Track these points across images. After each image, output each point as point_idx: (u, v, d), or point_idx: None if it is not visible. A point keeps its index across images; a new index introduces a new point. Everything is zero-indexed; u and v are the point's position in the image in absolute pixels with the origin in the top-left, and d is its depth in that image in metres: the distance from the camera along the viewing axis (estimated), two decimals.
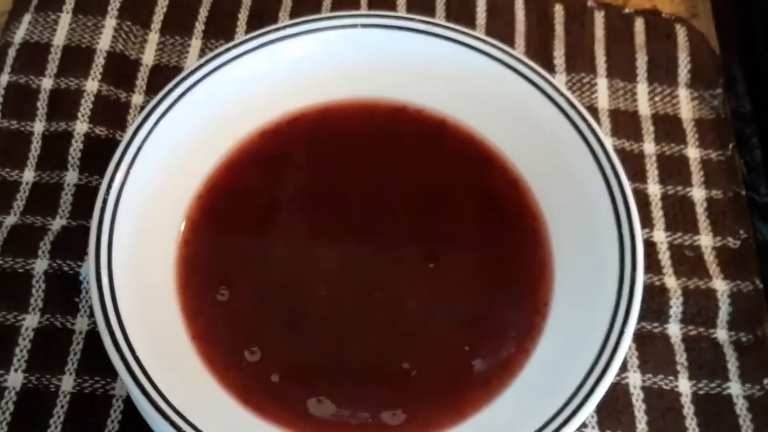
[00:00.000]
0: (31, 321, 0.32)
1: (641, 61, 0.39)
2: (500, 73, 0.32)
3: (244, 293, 0.30)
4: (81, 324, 0.32)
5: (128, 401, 0.30)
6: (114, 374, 0.31)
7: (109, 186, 0.28)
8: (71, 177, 0.35)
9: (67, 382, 0.31)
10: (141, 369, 0.25)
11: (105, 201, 0.27)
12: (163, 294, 0.29)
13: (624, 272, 0.27)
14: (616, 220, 0.28)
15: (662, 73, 0.39)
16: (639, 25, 0.40)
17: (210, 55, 0.31)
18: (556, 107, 0.31)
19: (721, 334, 0.32)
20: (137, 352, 0.25)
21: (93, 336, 0.32)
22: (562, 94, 0.31)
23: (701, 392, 0.31)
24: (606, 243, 0.28)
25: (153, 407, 0.24)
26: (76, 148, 0.35)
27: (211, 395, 0.27)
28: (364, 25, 0.32)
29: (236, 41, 0.31)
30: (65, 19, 0.38)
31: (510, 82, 0.32)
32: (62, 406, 0.30)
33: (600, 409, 0.30)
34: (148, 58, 0.38)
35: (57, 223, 0.34)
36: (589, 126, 0.30)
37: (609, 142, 0.30)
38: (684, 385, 0.31)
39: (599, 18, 0.40)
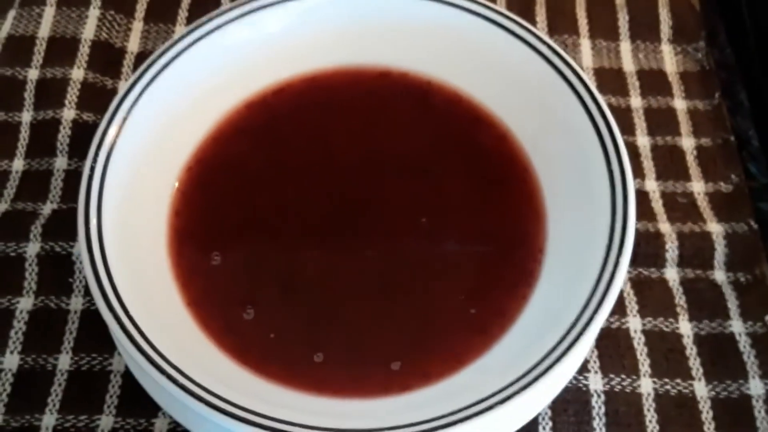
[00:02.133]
0: (25, 303, 0.32)
1: (623, 20, 0.39)
2: (484, 29, 0.32)
3: (237, 257, 0.29)
4: (76, 304, 0.32)
5: (126, 375, 0.30)
6: (111, 350, 0.31)
7: (96, 155, 0.28)
8: (60, 163, 0.35)
9: (64, 361, 0.31)
10: (137, 330, 0.25)
11: (92, 170, 0.27)
12: (156, 263, 0.29)
13: (616, 209, 0.27)
14: (605, 160, 0.28)
15: (644, 30, 0.39)
16: None
17: (192, 25, 0.31)
18: (542, 58, 0.31)
19: (719, 275, 0.32)
20: (132, 315, 0.25)
21: (88, 315, 0.32)
22: (547, 45, 0.31)
23: (703, 332, 0.31)
24: (597, 184, 0.28)
25: (152, 365, 0.24)
26: (64, 134, 0.36)
27: (209, 358, 0.27)
28: None
29: (218, 11, 0.31)
30: (49, 11, 0.39)
31: (494, 38, 0.32)
32: (60, 384, 0.30)
33: (602, 354, 0.30)
34: (133, 45, 0.39)
35: (48, 208, 0.34)
36: (575, 72, 0.30)
37: (594, 87, 0.30)
38: (685, 327, 0.31)
39: None
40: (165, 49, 0.30)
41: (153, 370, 0.24)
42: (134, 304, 0.26)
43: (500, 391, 0.23)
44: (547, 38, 0.32)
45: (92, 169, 0.27)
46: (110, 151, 0.28)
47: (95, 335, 0.31)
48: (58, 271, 0.32)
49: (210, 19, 0.31)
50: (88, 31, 0.38)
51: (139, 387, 0.28)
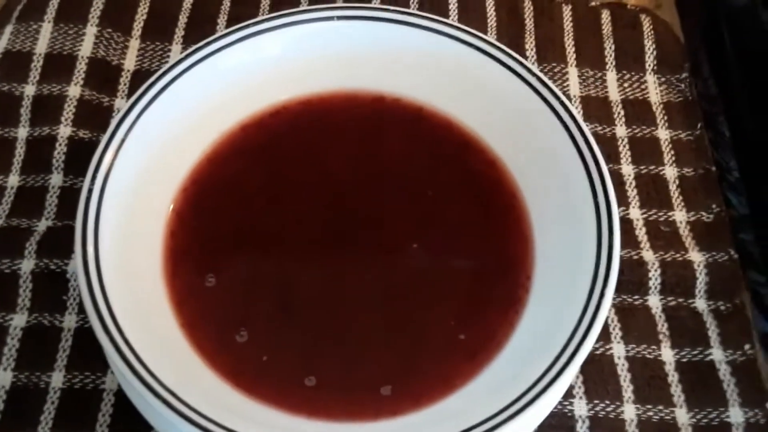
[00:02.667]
0: (19, 320, 0.32)
1: (609, 50, 0.40)
2: (475, 59, 0.33)
3: (232, 279, 0.30)
4: (69, 321, 0.32)
5: (119, 394, 0.31)
6: (105, 368, 0.31)
7: (94, 177, 0.28)
8: (56, 179, 0.35)
9: (57, 379, 0.31)
10: (131, 351, 0.25)
11: (90, 191, 0.28)
12: (151, 284, 0.29)
13: (602, 240, 0.28)
14: (592, 192, 0.29)
15: (630, 60, 0.40)
16: (605, 16, 0.41)
17: (190, 49, 0.31)
18: (530, 88, 0.32)
19: (700, 303, 0.33)
20: (127, 336, 0.25)
21: (82, 333, 0.32)
22: (535, 75, 0.32)
23: (684, 360, 0.32)
24: (583, 214, 0.29)
25: (145, 387, 0.24)
26: (60, 151, 0.36)
27: (202, 379, 0.27)
28: (340, 17, 0.33)
29: (216, 35, 0.32)
30: (47, 27, 0.39)
31: (484, 67, 0.33)
32: (53, 402, 0.30)
33: (587, 379, 0.31)
34: (130, 63, 0.39)
35: (43, 224, 0.34)
36: (562, 103, 0.31)
37: (581, 117, 0.31)
38: (667, 354, 0.32)
39: (567, 11, 0.41)
40: (164, 72, 0.31)
41: (146, 392, 0.24)
42: (129, 325, 0.26)
43: (488, 419, 0.24)
44: (535, 69, 0.32)
45: (90, 191, 0.28)
46: (108, 173, 0.28)
47: (89, 353, 0.31)
48: (53, 289, 0.33)
49: (209, 43, 0.32)
50: (86, 48, 0.39)
51: (132, 406, 0.29)
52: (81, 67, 0.38)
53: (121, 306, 0.26)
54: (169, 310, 0.29)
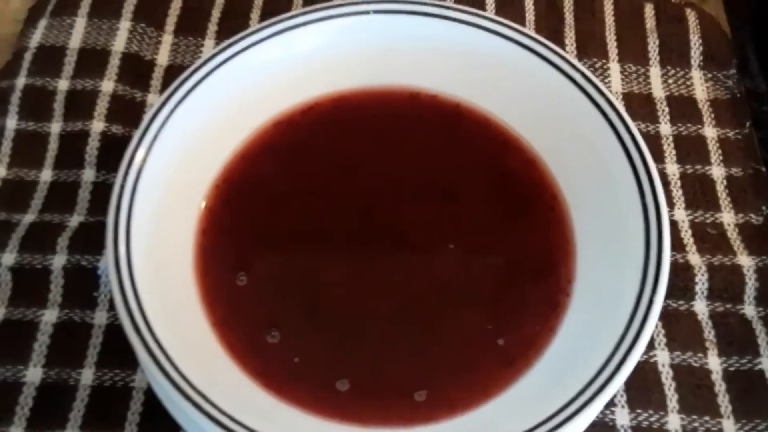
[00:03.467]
0: (50, 316, 0.32)
1: (653, 45, 0.39)
2: (514, 53, 0.32)
3: (263, 278, 0.29)
4: (100, 318, 0.32)
5: (149, 393, 0.30)
6: (134, 366, 0.31)
7: (126, 174, 0.28)
8: (88, 175, 0.35)
9: (87, 376, 0.31)
10: (161, 350, 0.25)
11: (122, 188, 0.27)
12: (182, 282, 0.29)
13: (650, 244, 0.26)
14: (639, 193, 0.28)
15: (674, 56, 0.39)
16: (648, 10, 0.40)
17: (223, 44, 0.31)
18: (573, 84, 0.31)
19: (749, 309, 0.32)
20: (157, 335, 0.25)
21: (112, 330, 0.32)
22: (578, 70, 0.31)
23: (732, 369, 0.30)
24: (629, 217, 0.28)
25: (175, 387, 0.24)
26: (92, 146, 0.36)
27: (232, 379, 0.27)
28: (375, 11, 0.32)
29: (249, 30, 0.31)
30: (80, 23, 0.39)
31: (524, 62, 0.31)
32: (82, 400, 0.30)
33: (629, 388, 0.30)
34: (163, 58, 0.39)
35: (75, 220, 0.34)
36: (607, 99, 0.30)
37: (627, 114, 0.30)
38: (714, 362, 0.30)
39: (608, 5, 0.40)
40: (197, 67, 0.30)
41: (175, 393, 0.24)
42: (160, 324, 0.26)
43: (531, 430, 0.23)
44: (577, 63, 0.31)
45: (122, 188, 0.27)
46: (140, 170, 0.28)
47: (119, 350, 0.31)
48: (84, 285, 0.32)
49: (242, 38, 0.31)
50: (119, 43, 0.38)
51: (161, 405, 0.28)
52: (114, 62, 0.38)
53: (152, 304, 0.26)
54: (200, 308, 0.28)
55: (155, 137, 0.29)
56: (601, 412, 0.29)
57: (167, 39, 0.39)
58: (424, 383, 0.27)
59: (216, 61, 0.31)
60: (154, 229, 0.28)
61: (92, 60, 0.38)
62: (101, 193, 0.35)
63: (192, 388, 0.24)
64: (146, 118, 0.29)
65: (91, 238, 0.33)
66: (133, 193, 0.27)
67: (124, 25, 0.39)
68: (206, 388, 0.25)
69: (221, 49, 0.31)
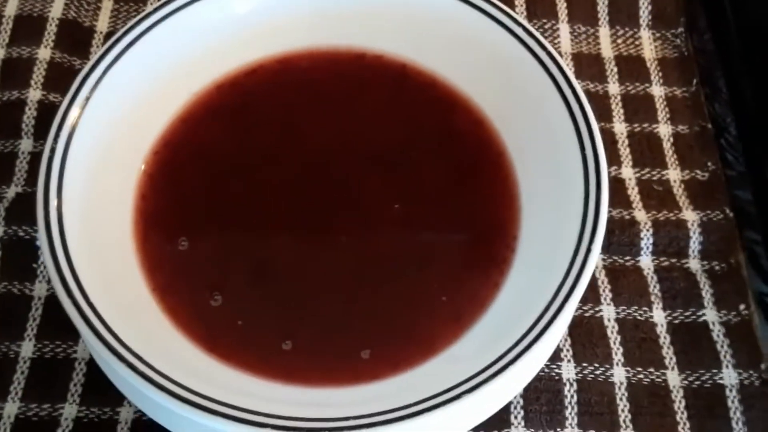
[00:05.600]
0: None
1: (602, 5, 0.39)
2: (461, 12, 0.31)
3: (205, 242, 0.29)
4: (40, 289, 0.31)
5: (91, 363, 0.30)
6: (76, 337, 0.30)
7: (57, 136, 0.27)
8: (26, 145, 0.34)
9: (27, 348, 0.30)
10: (97, 316, 0.24)
11: (53, 151, 0.26)
12: (121, 248, 0.28)
13: (588, 197, 0.26)
14: (579, 145, 0.27)
15: (623, 16, 0.39)
16: None
17: (157, 4, 0.30)
18: (518, 41, 0.30)
19: (694, 263, 0.32)
20: (92, 301, 0.24)
21: (52, 301, 0.31)
22: (524, 28, 0.30)
23: (676, 321, 0.31)
24: (570, 169, 0.28)
25: (113, 354, 0.23)
26: (29, 115, 0.35)
27: (174, 345, 0.26)
28: None
29: None
30: None
31: (471, 21, 0.31)
32: (22, 372, 0.29)
33: (575, 342, 0.30)
34: (102, 24, 0.38)
35: (12, 191, 0.33)
36: (550, 56, 0.29)
37: (571, 72, 0.29)
38: (659, 315, 0.31)
39: None
40: (131, 27, 0.29)
41: (112, 358, 0.23)
42: (96, 289, 0.25)
43: (470, 379, 0.23)
44: (524, 21, 0.31)
45: (53, 150, 0.26)
46: (72, 132, 0.27)
47: (59, 322, 0.30)
48: (22, 256, 0.31)
49: None
50: (56, 10, 0.37)
51: (104, 376, 0.28)
52: (51, 28, 0.37)
53: (88, 271, 0.25)
54: (140, 275, 0.27)
55: (88, 98, 0.28)
56: (547, 366, 0.29)
57: (107, 5, 0.38)
58: (369, 342, 0.26)
59: (152, 19, 0.30)
60: (90, 194, 0.27)
61: (28, 27, 0.37)
62: (39, 164, 0.33)
63: (129, 352, 0.24)
64: (78, 77, 0.28)
65: (30, 209, 0.31)
66: (65, 156, 0.27)
67: None
68: (147, 354, 0.24)
69: (157, 8, 0.30)
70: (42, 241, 0.25)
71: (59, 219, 0.25)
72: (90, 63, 0.29)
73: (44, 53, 0.36)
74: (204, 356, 0.26)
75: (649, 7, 0.39)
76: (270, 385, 0.26)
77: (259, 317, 0.27)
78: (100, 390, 0.29)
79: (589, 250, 0.24)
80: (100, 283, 0.26)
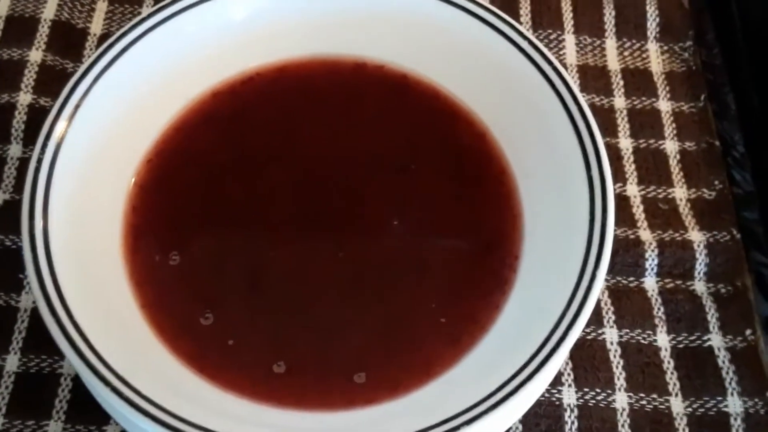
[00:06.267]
0: None
1: (609, 16, 0.38)
2: (464, 22, 0.30)
3: (197, 257, 0.28)
4: (26, 301, 0.30)
5: (77, 379, 0.29)
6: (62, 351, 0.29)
7: (44, 146, 0.26)
8: (15, 150, 0.33)
9: (12, 362, 0.29)
10: (79, 333, 0.23)
11: (39, 161, 0.25)
12: (109, 261, 0.27)
13: (594, 218, 0.26)
14: (585, 165, 0.27)
15: (630, 27, 0.38)
16: None
17: (156, 6, 0.29)
18: (523, 55, 0.29)
19: (699, 286, 0.31)
20: (76, 318, 0.23)
21: (39, 314, 0.30)
22: (528, 41, 0.29)
23: (681, 345, 0.30)
24: (576, 189, 0.27)
25: (94, 375, 0.22)
26: (19, 120, 0.34)
27: (162, 364, 0.25)
28: None
29: None
30: None
31: (474, 31, 0.30)
32: (6, 387, 0.28)
33: (576, 366, 0.29)
34: (96, 26, 0.37)
35: None
36: (557, 71, 0.29)
37: (576, 85, 0.29)
38: (663, 339, 0.30)
39: None
40: (123, 32, 0.28)
41: (94, 379, 0.22)
42: (81, 305, 0.24)
43: (469, 410, 0.22)
44: (528, 34, 0.30)
45: (39, 160, 0.26)
46: (60, 142, 0.26)
47: (46, 336, 0.29)
48: (8, 266, 0.31)
49: (174, 1, 0.29)
50: (49, 11, 0.36)
51: (91, 393, 0.27)
52: (43, 30, 0.36)
53: (73, 285, 0.24)
54: (128, 290, 0.27)
55: (77, 106, 0.27)
56: (548, 391, 0.28)
57: (101, 6, 0.37)
58: (365, 364, 0.26)
59: (144, 26, 0.29)
60: (78, 205, 0.26)
61: (20, 28, 0.36)
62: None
63: (113, 374, 0.23)
64: (68, 85, 0.27)
65: (17, 217, 0.31)
66: (52, 167, 0.26)
67: None
68: (132, 375, 0.23)
69: (150, 14, 0.29)
70: (26, 255, 0.24)
71: (45, 232, 0.24)
72: (81, 69, 0.28)
73: (35, 55, 0.35)
74: (193, 376, 0.25)
75: (657, 19, 0.38)
76: (261, 408, 0.25)
77: (250, 337, 0.26)
78: (87, 407, 0.28)
79: (594, 276, 0.24)
80: (86, 298, 0.25)
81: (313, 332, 0.26)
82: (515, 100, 0.30)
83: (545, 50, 0.30)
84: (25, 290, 0.30)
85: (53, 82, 0.35)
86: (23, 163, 0.33)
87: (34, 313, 0.30)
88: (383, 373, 0.25)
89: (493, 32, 0.30)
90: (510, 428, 0.28)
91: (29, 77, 0.35)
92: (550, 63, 0.29)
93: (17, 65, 0.35)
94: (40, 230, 0.24)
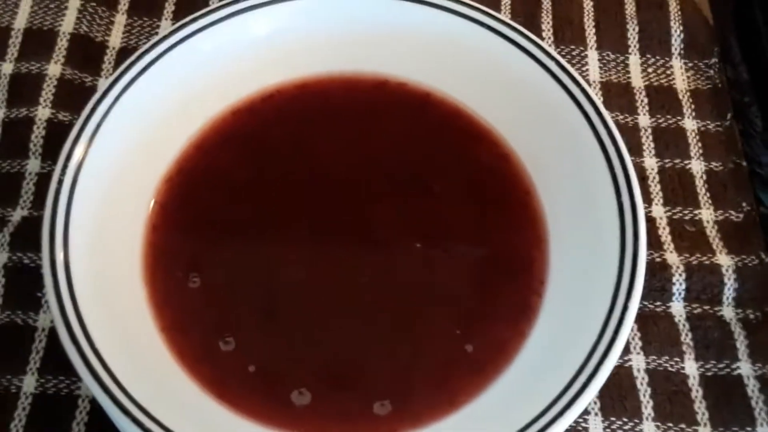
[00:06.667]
0: None
1: (632, 32, 0.37)
2: (487, 39, 0.30)
3: (218, 280, 0.27)
4: (44, 320, 0.30)
5: (95, 401, 0.28)
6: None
7: (65, 165, 0.26)
8: (33, 165, 0.33)
9: (29, 383, 0.29)
10: (100, 361, 0.23)
11: (60, 182, 0.25)
12: (129, 283, 0.27)
13: (625, 244, 0.25)
14: (615, 190, 0.26)
15: (655, 43, 0.37)
16: None
17: (174, 26, 0.29)
18: (548, 74, 0.29)
19: (728, 311, 0.30)
20: (96, 344, 0.23)
21: (57, 333, 0.29)
22: (553, 59, 0.29)
23: (709, 373, 0.29)
24: (605, 215, 0.26)
25: (114, 404, 0.22)
26: (38, 134, 0.33)
27: (181, 390, 0.25)
28: None
29: (202, 11, 0.29)
30: (26, 1, 0.36)
31: (498, 49, 0.30)
32: (24, 409, 0.28)
33: (602, 394, 0.28)
34: (115, 40, 0.36)
35: (18, 214, 0.32)
36: (583, 91, 0.28)
37: (604, 108, 0.28)
38: (691, 367, 0.29)
39: None
40: (144, 51, 0.28)
41: (114, 409, 0.22)
42: (100, 330, 0.24)
43: None
44: (553, 51, 0.30)
45: (60, 182, 0.25)
46: (81, 163, 0.26)
47: (64, 355, 0.28)
48: (26, 284, 0.30)
49: (194, 20, 0.29)
50: (67, 24, 0.36)
51: (108, 416, 0.26)
52: (62, 43, 0.35)
53: (92, 309, 0.24)
54: (148, 313, 0.26)
55: (98, 126, 0.27)
56: (573, 421, 0.28)
57: (120, 19, 0.37)
58: (387, 393, 0.25)
59: (165, 44, 0.28)
60: (99, 227, 0.26)
61: (38, 41, 0.35)
62: (47, 185, 0.31)
63: (134, 404, 0.22)
64: (89, 105, 0.27)
65: (36, 234, 0.31)
66: (72, 189, 0.25)
67: (74, 4, 0.36)
68: (150, 401, 0.23)
69: (171, 32, 0.29)
70: (47, 280, 0.24)
71: (66, 255, 0.24)
72: (101, 90, 0.27)
73: (54, 69, 0.35)
74: (213, 403, 0.25)
75: (682, 35, 0.37)
76: None
77: (271, 363, 0.26)
78: (105, 429, 0.27)
79: (626, 308, 0.23)
80: (106, 322, 0.24)
81: (334, 359, 0.26)
82: (540, 119, 0.30)
83: (570, 68, 0.29)
84: (42, 309, 0.30)
85: (72, 96, 0.34)
86: (41, 178, 0.33)
87: (52, 332, 0.30)
88: (406, 403, 0.25)
89: (516, 49, 0.30)
90: None
91: (48, 91, 0.34)
92: (575, 81, 0.29)
93: (36, 79, 0.34)
94: (60, 253, 0.24)
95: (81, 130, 0.26)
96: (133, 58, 0.28)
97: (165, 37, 0.28)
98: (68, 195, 0.25)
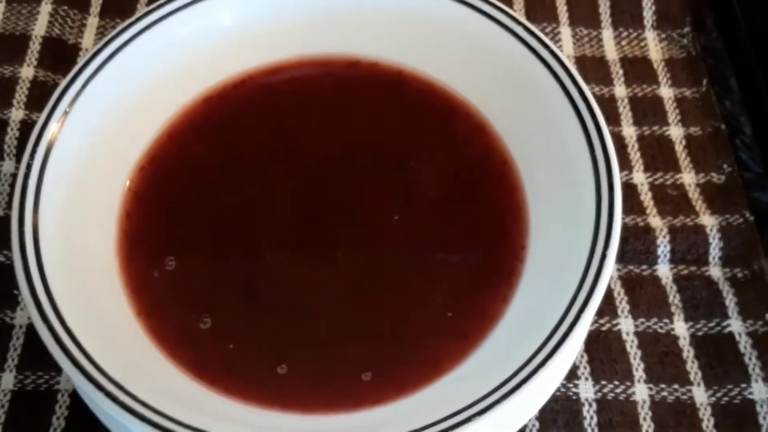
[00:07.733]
0: None
1: (604, 6, 0.38)
2: (458, 14, 0.30)
3: (193, 261, 0.27)
4: (21, 318, 0.29)
5: (75, 395, 0.28)
6: (59, 368, 0.28)
7: (32, 155, 0.25)
8: (7, 166, 0.33)
9: (8, 380, 0.28)
10: (75, 343, 0.22)
11: (29, 167, 0.25)
12: (104, 269, 0.26)
13: (601, 203, 0.25)
14: (590, 155, 0.26)
15: (627, 17, 0.37)
16: None
17: (138, 14, 0.29)
18: (520, 42, 0.29)
19: (715, 271, 0.30)
20: (71, 328, 0.23)
21: (35, 330, 0.29)
22: (526, 28, 0.29)
23: (700, 333, 0.29)
24: (580, 174, 0.26)
25: (91, 383, 0.21)
26: (12, 136, 0.33)
27: (161, 372, 0.24)
28: None
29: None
30: None
31: (469, 22, 0.30)
32: (2, 406, 0.28)
33: (592, 359, 0.28)
34: (88, 41, 0.36)
35: None
36: (558, 59, 0.28)
37: (578, 73, 0.28)
38: (680, 327, 0.29)
39: None
40: (112, 37, 0.28)
41: (90, 386, 0.21)
42: (75, 313, 0.23)
43: (479, 401, 0.21)
44: (525, 21, 0.30)
45: (29, 167, 0.25)
46: (50, 148, 0.26)
47: (42, 352, 0.28)
48: (3, 282, 0.30)
49: (159, 6, 0.29)
50: (39, 27, 0.36)
51: (89, 409, 0.26)
52: (35, 47, 0.35)
53: (66, 295, 0.24)
54: (124, 297, 0.26)
55: (66, 113, 0.26)
56: (564, 386, 0.27)
57: (92, 21, 0.37)
58: (370, 364, 0.25)
59: (132, 31, 0.28)
60: (70, 213, 0.26)
61: (11, 45, 0.35)
62: None
63: (112, 383, 0.22)
64: (56, 92, 0.27)
65: (9, 233, 0.31)
66: (42, 174, 0.25)
67: (45, 8, 0.36)
68: (129, 382, 0.22)
69: (135, 20, 0.28)
70: (16, 263, 0.23)
71: (35, 239, 0.24)
72: (70, 75, 0.27)
73: (27, 72, 0.35)
74: (193, 383, 0.24)
75: (653, 8, 0.37)
76: (264, 412, 0.24)
77: (251, 340, 0.25)
78: (86, 424, 0.27)
79: (604, 256, 0.23)
80: (81, 306, 0.24)
81: (316, 333, 0.25)
82: (514, 90, 0.30)
83: (542, 36, 0.29)
84: (19, 306, 0.30)
85: (45, 97, 0.33)
86: (16, 179, 0.32)
87: (30, 329, 0.29)
88: (390, 372, 0.24)
89: (488, 21, 0.30)
90: (527, 425, 0.27)
91: (21, 93, 0.34)
92: (549, 50, 0.29)
93: (9, 82, 0.34)
94: (30, 237, 0.24)
95: (50, 114, 0.26)
96: (101, 44, 0.28)
97: (132, 23, 0.28)
98: (37, 178, 0.25)
